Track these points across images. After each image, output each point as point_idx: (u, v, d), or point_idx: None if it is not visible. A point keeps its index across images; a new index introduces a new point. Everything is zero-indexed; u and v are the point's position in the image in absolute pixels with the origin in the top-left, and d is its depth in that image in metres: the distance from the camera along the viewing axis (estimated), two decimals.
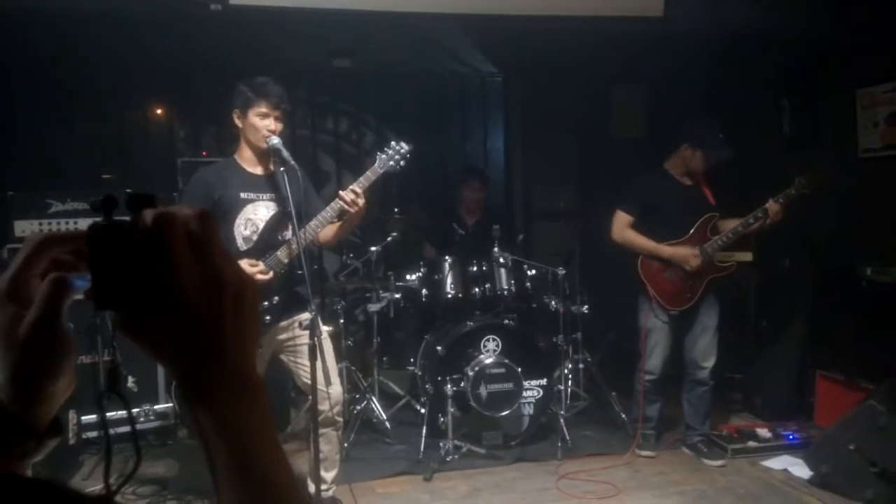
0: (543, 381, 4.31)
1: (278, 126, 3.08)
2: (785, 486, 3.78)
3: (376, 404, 4.57)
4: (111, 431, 0.68)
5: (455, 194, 5.28)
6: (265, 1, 3.69)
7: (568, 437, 4.25)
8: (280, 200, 3.13)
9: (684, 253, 3.95)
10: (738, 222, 3.87)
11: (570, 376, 4.74)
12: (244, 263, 2.94)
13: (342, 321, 4.59)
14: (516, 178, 6.42)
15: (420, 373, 4.58)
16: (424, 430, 4.19)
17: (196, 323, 0.56)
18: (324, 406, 3.09)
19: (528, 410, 4.29)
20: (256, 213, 3.12)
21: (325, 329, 3.04)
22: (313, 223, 3.07)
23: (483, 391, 4.12)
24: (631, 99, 5.74)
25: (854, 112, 4.54)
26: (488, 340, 4.28)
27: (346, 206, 3.03)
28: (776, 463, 4.01)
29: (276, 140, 3.03)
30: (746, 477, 3.91)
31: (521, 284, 4.56)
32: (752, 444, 4.19)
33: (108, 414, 0.68)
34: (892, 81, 4.30)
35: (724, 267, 3.99)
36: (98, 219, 0.57)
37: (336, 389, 3.18)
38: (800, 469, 3.85)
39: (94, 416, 4.04)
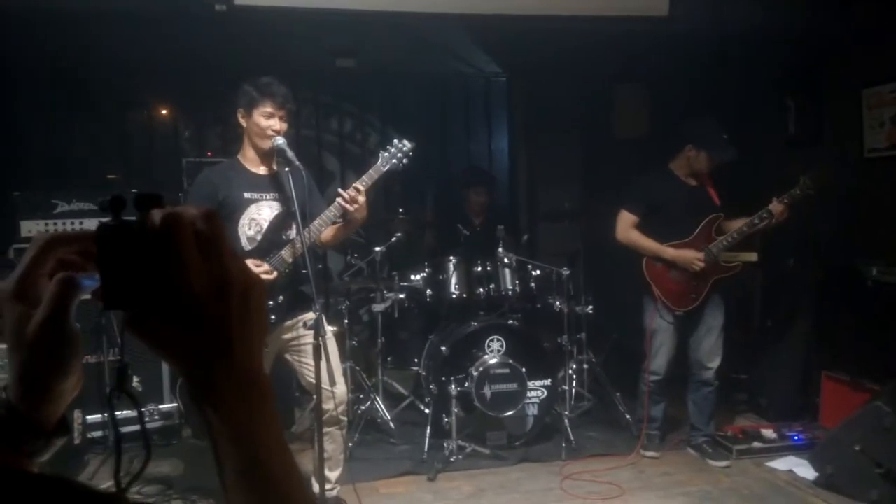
0: (548, 382, 4.31)
1: (283, 126, 3.08)
2: (790, 486, 3.77)
3: (380, 404, 4.58)
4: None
5: (460, 195, 5.28)
6: (270, 1, 3.70)
7: (572, 438, 4.25)
8: (283, 200, 3.13)
9: (688, 256, 3.94)
10: (743, 223, 3.86)
11: (574, 377, 4.73)
12: (249, 263, 2.95)
13: (346, 321, 4.59)
14: (520, 179, 6.42)
15: (424, 373, 4.58)
16: (428, 431, 4.19)
17: (204, 322, 0.56)
18: (328, 406, 3.10)
19: (533, 411, 4.29)
20: (260, 213, 3.12)
21: (329, 329, 3.05)
22: (316, 222, 3.06)
23: (487, 391, 4.11)
24: (633, 98, 5.74)
25: (860, 112, 4.52)
26: (492, 341, 4.27)
27: (345, 205, 3.01)
28: (781, 464, 4.00)
29: (281, 140, 3.03)
30: (751, 478, 3.90)
31: (525, 285, 4.56)
32: (756, 444, 4.17)
33: (116, 413, 0.69)
34: None
35: (729, 267, 3.98)
36: (105, 219, 0.57)
37: (340, 389, 3.18)
38: (805, 470, 3.84)
39: (99, 416, 4.06)
